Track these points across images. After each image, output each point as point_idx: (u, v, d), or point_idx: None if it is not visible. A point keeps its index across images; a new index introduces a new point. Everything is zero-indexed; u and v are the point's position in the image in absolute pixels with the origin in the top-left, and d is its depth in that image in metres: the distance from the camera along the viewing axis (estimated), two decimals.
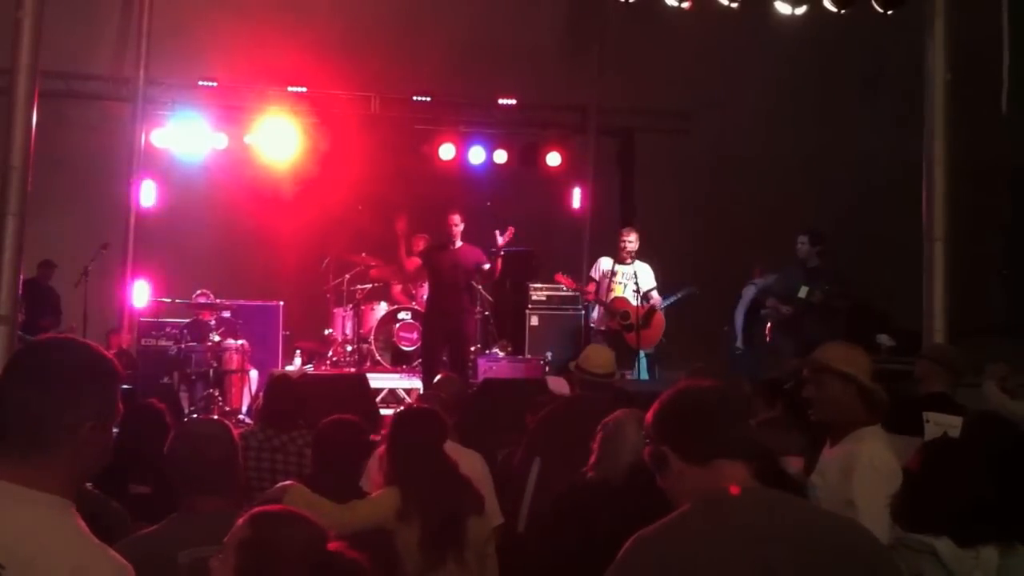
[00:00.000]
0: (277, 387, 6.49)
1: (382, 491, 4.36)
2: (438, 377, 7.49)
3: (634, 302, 10.52)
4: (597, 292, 10.78)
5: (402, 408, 4.83)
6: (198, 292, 11.88)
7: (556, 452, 4.77)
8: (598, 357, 6.36)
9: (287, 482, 4.39)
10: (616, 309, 10.59)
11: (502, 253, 10.36)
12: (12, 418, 2.28)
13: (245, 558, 2.51)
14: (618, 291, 10.66)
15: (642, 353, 10.62)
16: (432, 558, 4.20)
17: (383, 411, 10.13)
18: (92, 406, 2.32)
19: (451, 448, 4.83)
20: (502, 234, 10.35)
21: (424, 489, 4.27)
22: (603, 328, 10.83)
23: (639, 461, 4.52)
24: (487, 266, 10.44)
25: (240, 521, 2.56)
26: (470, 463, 4.99)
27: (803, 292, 10.56)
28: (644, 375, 10.62)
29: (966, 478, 3.24)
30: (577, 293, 12.12)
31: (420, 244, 10.75)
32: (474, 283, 11.15)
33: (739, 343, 12.53)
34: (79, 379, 2.32)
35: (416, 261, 10.84)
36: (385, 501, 4.31)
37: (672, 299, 10.97)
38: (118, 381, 2.46)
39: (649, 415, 2.67)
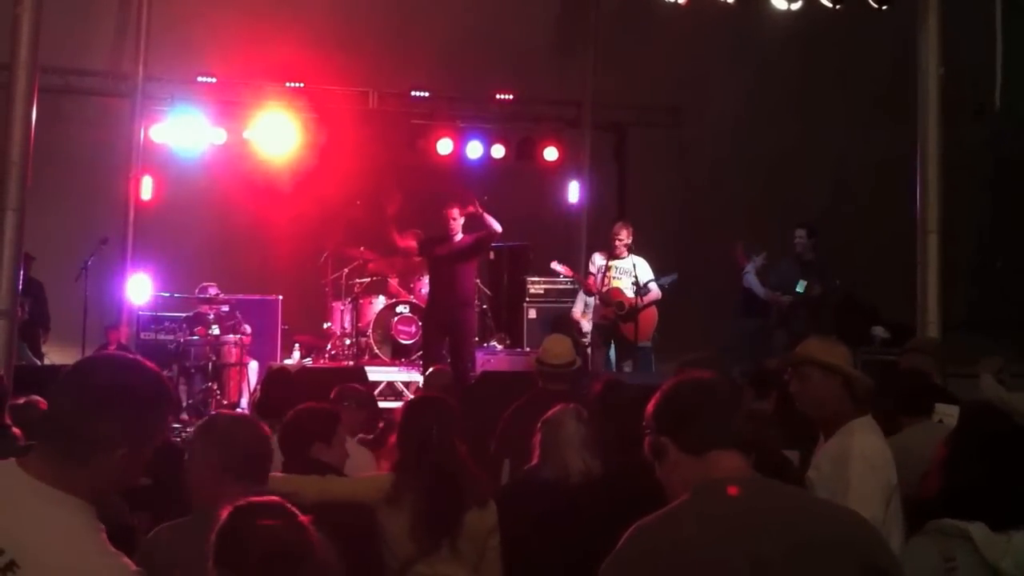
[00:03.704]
0: (274, 379, 6.55)
1: (373, 474, 4.41)
2: (430, 371, 7.53)
3: (629, 294, 10.60)
4: (590, 287, 10.86)
5: (413, 396, 4.86)
6: (205, 284, 11.92)
7: (524, 449, 4.82)
8: (556, 348, 6.38)
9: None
10: (611, 299, 10.67)
11: (483, 213, 10.24)
12: (55, 425, 2.32)
13: (218, 550, 2.60)
14: (616, 285, 10.73)
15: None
16: (424, 545, 4.21)
17: (381, 404, 10.20)
18: (129, 432, 2.31)
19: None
20: (470, 205, 10.26)
21: (421, 477, 4.29)
22: (598, 322, 10.89)
23: (602, 458, 4.63)
24: (483, 233, 10.32)
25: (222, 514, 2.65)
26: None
27: (801, 286, 10.59)
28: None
29: (999, 463, 3.27)
30: (575, 284, 12.15)
31: (411, 240, 10.74)
32: (474, 276, 11.14)
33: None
34: (123, 403, 2.32)
35: (411, 241, 10.74)
36: (371, 483, 4.37)
37: (656, 285, 11.00)
38: (164, 410, 2.47)
39: (649, 406, 2.69)
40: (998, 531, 3.09)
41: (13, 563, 2.13)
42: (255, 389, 10.93)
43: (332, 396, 5.97)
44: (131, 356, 2.47)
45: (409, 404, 4.67)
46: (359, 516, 4.20)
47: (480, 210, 10.14)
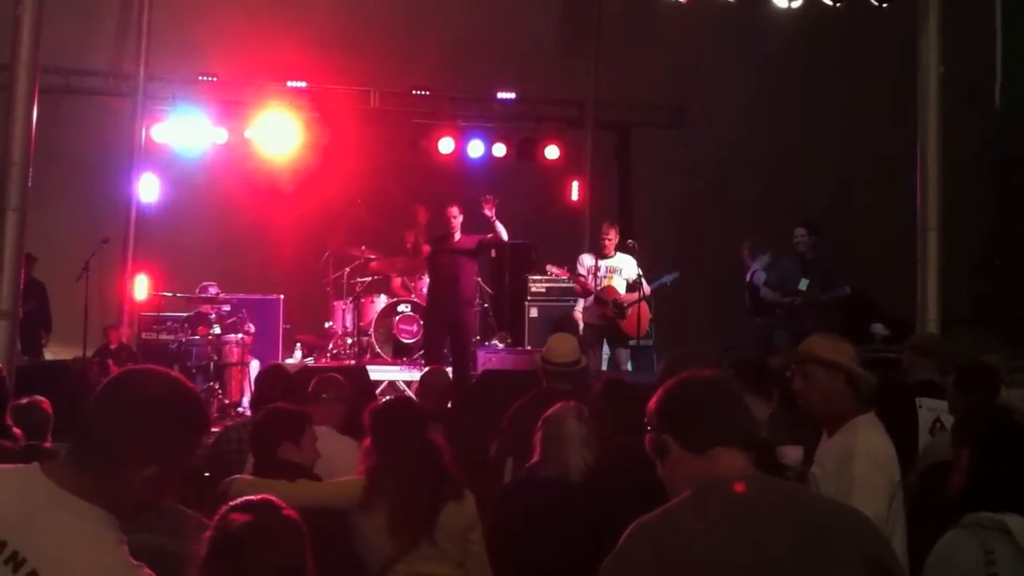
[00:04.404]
0: (267, 376, 6.55)
1: (345, 478, 4.43)
2: (425, 370, 7.55)
3: (622, 291, 10.65)
4: (586, 286, 10.92)
5: (380, 401, 4.85)
6: (205, 283, 11.93)
7: (528, 448, 4.83)
8: (560, 347, 6.36)
9: (234, 476, 4.37)
10: (607, 297, 10.72)
11: (495, 220, 10.25)
12: (86, 433, 2.29)
13: (215, 549, 2.61)
14: (607, 284, 10.80)
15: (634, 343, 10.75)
16: (402, 544, 4.23)
17: None
18: (162, 450, 2.29)
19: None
20: (487, 206, 10.29)
21: (390, 478, 4.30)
22: (594, 322, 10.92)
23: (602, 456, 4.64)
24: (489, 235, 10.39)
25: (220, 514, 2.66)
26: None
27: (803, 284, 10.59)
28: (629, 366, 10.75)
29: (1002, 459, 3.29)
30: (572, 283, 12.19)
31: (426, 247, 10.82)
32: (475, 275, 11.16)
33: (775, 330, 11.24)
34: (159, 421, 2.29)
35: (427, 249, 10.81)
36: (342, 488, 4.37)
37: (657, 283, 11.04)
38: (199, 431, 2.44)
39: (651, 404, 2.69)
40: None
41: (35, 573, 2.11)
42: None
43: (310, 389, 5.92)
44: (171, 373, 2.43)
45: (378, 408, 4.66)
46: (332, 520, 4.19)
47: (494, 215, 10.17)
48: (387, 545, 4.24)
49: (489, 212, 10.19)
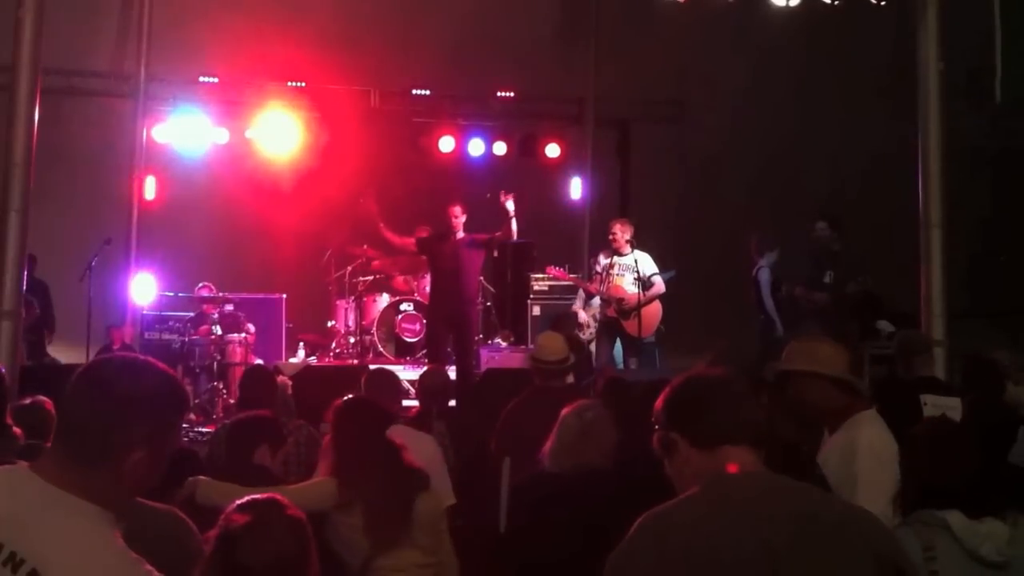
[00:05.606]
0: (249, 377, 6.58)
1: (316, 480, 4.46)
2: (423, 371, 7.57)
3: (631, 290, 10.60)
4: (598, 285, 10.89)
5: (341, 400, 4.86)
6: (201, 285, 11.95)
7: (524, 446, 4.84)
8: (549, 345, 6.41)
9: (199, 477, 4.36)
10: (612, 296, 10.69)
11: (513, 215, 10.22)
12: (69, 426, 2.28)
13: (222, 548, 2.62)
14: (617, 282, 10.75)
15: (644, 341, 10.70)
16: (381, 541, 4.30)
17: None
18: (146, 434, 2.26)
19: (402, 432, 4.97)
20: (505, 198, 10.25)
21: (364, 476, 4.36)
22: (603, 320, 10.91)
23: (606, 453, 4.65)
24: (497, 233, 10.39)
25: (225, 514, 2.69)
26: (420, 446, 5.11)
27: (828, 277, 10.56)
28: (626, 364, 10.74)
29: (967, 453, 3.31)
30: (574, 284, 12.18)
31: (408, 238, 10.81)
32: (478, 274, 11.15)
33: (779, 329, 11.52)
34: (139, 406, 2.27)
35: (408, 239, 10.79)
36: (316, 489, 4.41)
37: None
38: (179, 412, 2.44)
39: (659, 400, 2.69)
40: (974, 519, 3.13)
41: (36, 572, 2.10)
42: None
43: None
44: (143, 357, 2.41)
45: (341, 407, 4.68)
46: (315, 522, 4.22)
47: (512, 211, 10.16)
48: (366, 542, 4.31)
49: (509, 206, 10.13)
